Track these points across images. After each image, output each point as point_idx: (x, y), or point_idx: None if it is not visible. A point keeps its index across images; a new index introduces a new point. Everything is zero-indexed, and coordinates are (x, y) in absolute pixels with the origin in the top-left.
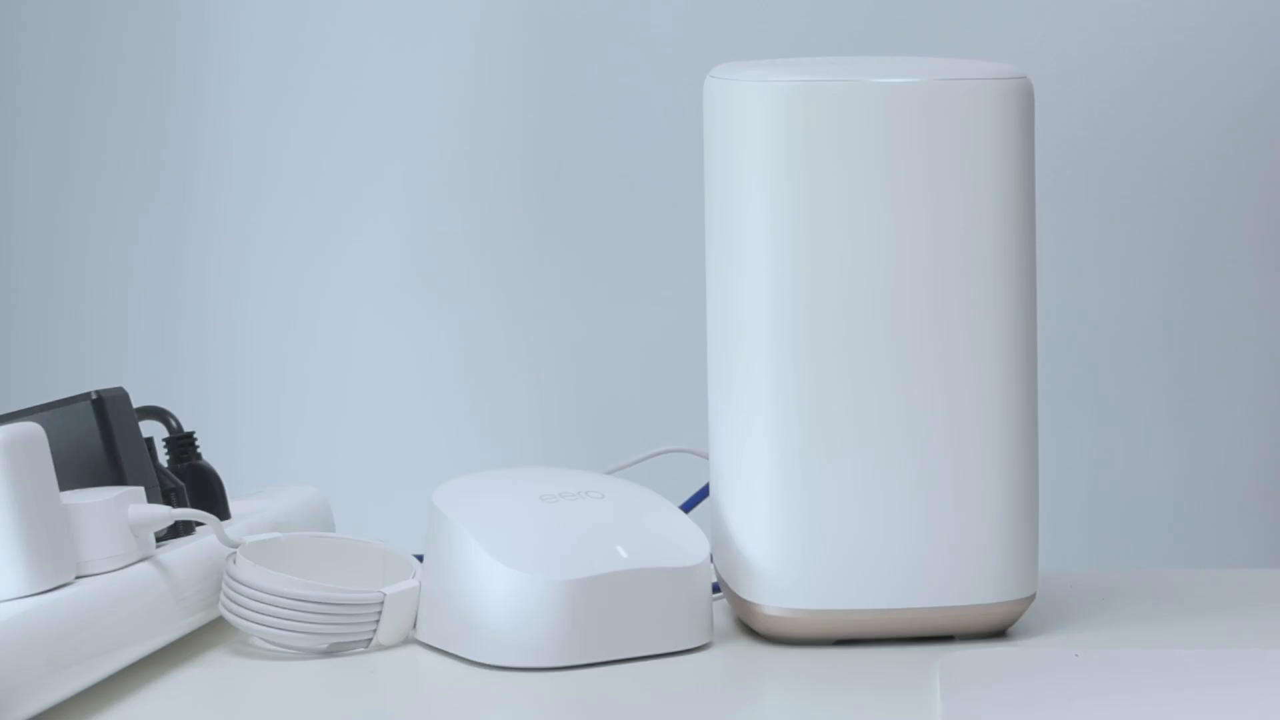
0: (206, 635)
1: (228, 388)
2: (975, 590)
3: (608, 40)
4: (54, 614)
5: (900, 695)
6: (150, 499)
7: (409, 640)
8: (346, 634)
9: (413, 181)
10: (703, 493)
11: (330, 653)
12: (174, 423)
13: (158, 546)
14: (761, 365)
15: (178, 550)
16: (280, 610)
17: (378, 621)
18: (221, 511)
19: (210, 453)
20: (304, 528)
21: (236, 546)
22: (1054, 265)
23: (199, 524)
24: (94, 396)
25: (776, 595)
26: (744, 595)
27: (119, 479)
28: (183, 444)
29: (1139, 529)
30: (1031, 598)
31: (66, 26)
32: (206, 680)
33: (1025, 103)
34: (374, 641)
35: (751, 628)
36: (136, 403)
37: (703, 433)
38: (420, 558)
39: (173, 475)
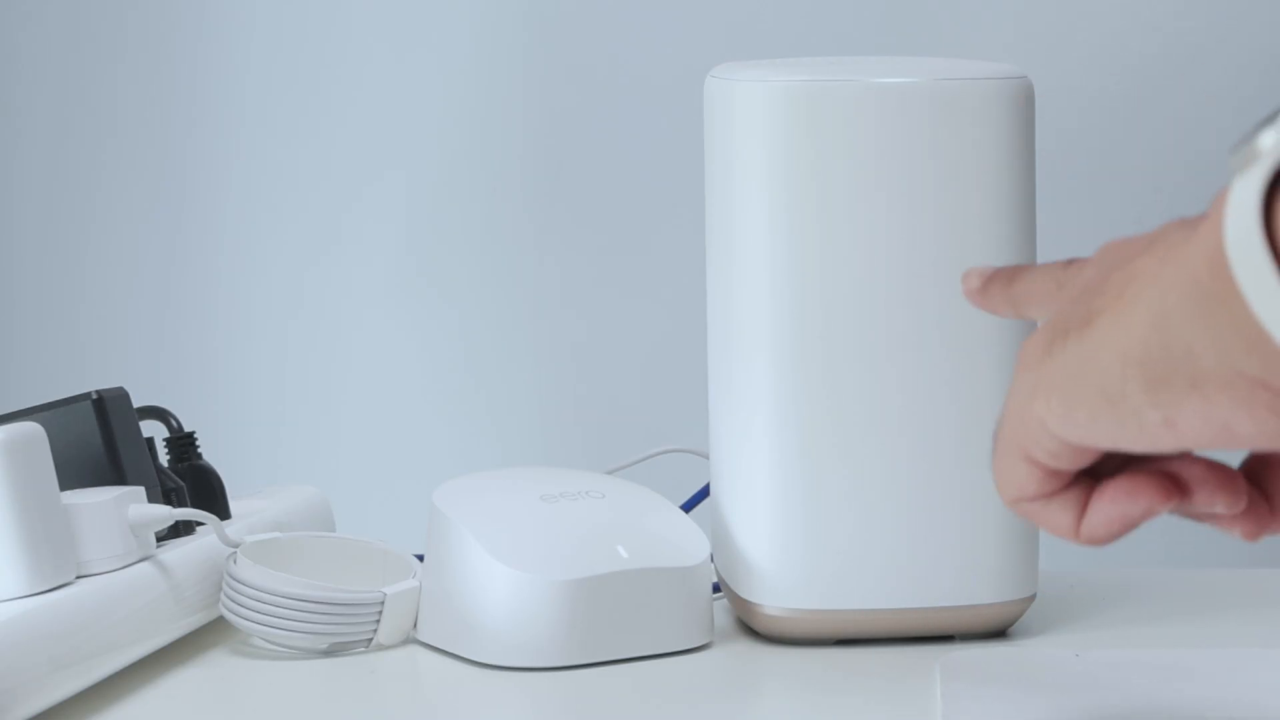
0: (206, 635)
1: (228, 388)
2: (975, 590)
3: (608, 40)
4: (54, 614)
5: (900, 695)
6: (150, 499)
7: (409, 640)
8: (347, 634)
9: (412, 183)
10: (703, 493)
11: (330, 653)
12: (174, 423)
13: (158, 546)
14: (761, 365)
15: (178, 550)
16: (281, 610)
17: (378, 621)
18: (222, 511)
19: (210, 453)
20: (304, 528)
21: (237, 546)
22: None
23: (199, 524)
24: (94, 396)
25: (776, 595)
26: (744, 595)
27: (119, 479)
28: (183, 444)
29: (1139, 529)
30: (1031, 598)
31: (67, 28)
32: (206, 680)
33: (1025, 103)
34: (374, 641)
35: (751, 628)
36: (137, 403)
37: (703, 433)
38: (420, 558)
39: (173, 475)
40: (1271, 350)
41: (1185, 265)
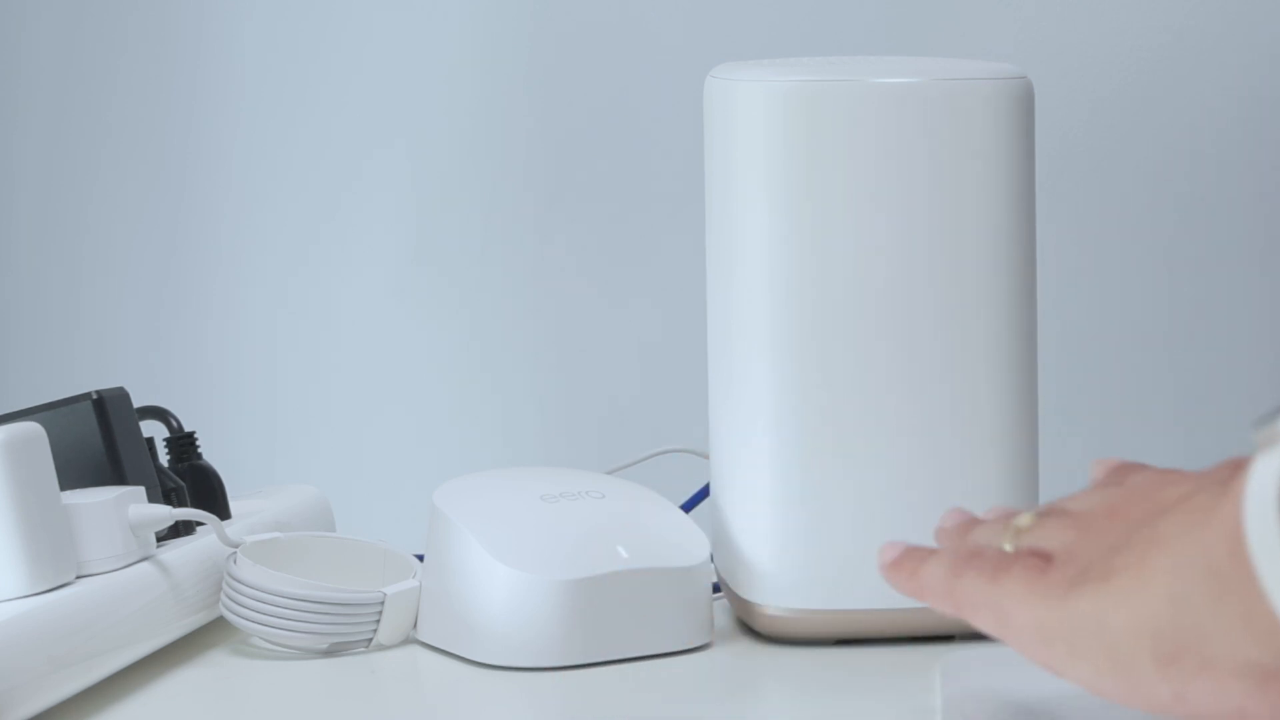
0: (206, 635)
1: (227, 387)
2: None
3: (609, 40)
4: (54, 614)
5: (900, 695)
6: (150, 499)
7: (409, 640)
8: (347, 634)
9: (413, 185)
10: (703, 493)
11: (331, 653)
12: (174, 422)
13: (158, 546)
14: (762, 365)
15: (178, 550)
16: (281, 610)
17: (378, 621)
18: (222, 511)
19: (210, 452)
20: (304, 528)
21: (237, 546)
22: (1054, 265)
23: (199, 524)
24: (94, 396)
25: (776, 595)
26: (744, 595)
27: (119, 479)
28: (183, 444)
29: None
30: None
31: (66, 13)
32: (206, 680)
33: (1025, 103)
34: (374, 641)
35: (751, 628)
36: (136, 403)
37: (703, 433)
38: (421, 558)
39: (173, 475)
40: None
41: (1205, 543)
